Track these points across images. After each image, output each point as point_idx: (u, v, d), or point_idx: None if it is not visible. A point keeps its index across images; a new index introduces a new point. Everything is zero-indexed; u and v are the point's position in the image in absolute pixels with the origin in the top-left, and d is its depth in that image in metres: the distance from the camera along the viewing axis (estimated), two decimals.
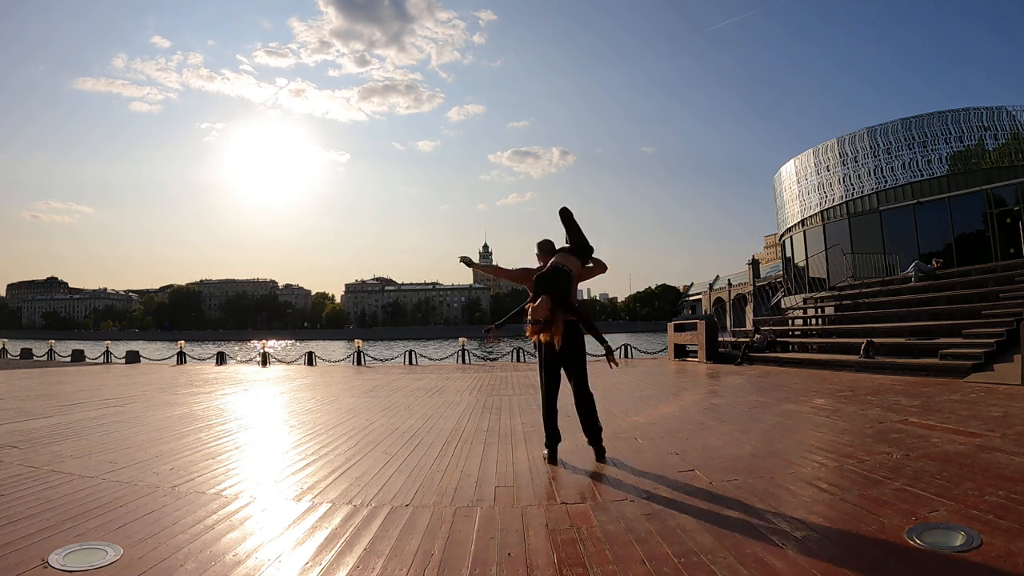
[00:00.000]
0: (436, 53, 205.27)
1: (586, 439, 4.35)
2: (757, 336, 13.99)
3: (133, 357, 20.37)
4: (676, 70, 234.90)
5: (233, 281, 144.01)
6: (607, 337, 4.27)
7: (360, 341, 19.65)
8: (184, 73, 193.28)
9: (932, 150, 18.35)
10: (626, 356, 18.04)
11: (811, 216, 21.95)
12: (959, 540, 2.57)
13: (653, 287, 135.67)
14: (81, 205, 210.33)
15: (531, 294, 4.22)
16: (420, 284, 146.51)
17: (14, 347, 24.92)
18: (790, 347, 14.40)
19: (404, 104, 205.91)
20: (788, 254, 24.26)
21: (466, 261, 4.78)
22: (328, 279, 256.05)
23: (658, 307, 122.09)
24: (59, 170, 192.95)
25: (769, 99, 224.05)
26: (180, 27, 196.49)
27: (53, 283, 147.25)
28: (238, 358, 22.44)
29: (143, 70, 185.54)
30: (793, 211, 23.16)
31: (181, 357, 20.12)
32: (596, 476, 3.93)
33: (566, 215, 4.52)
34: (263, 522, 3.12)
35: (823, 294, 17.54)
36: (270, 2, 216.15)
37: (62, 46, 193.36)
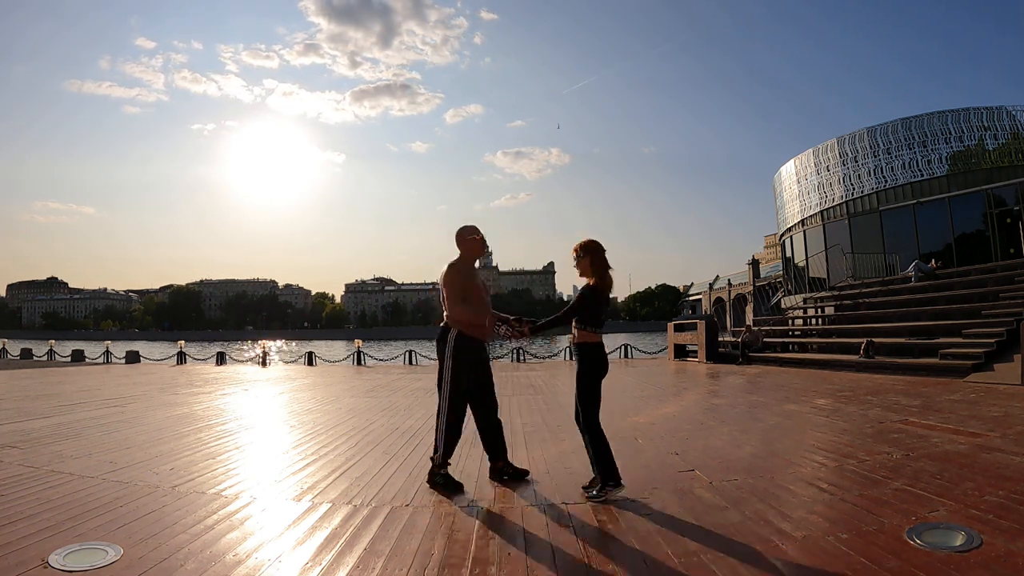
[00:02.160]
0: (432, 54, 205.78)
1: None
2: (747, 334, 14.01)
3: (133, 357, 20.35)
4: (676, 70, 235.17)
5: (233, 281, 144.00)
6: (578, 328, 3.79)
7: (360, 341, 19.66)
8: (172, 75, 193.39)
9: (932, 150, 18.33)
10: (626, 356, 18.05)
11: (811, 216, 21.94)
12: (959, 540, 2.57)
13: (653, 287, 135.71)
14: (81, 205, 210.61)
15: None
16: (420, 284, 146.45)
17: (14, 347, 24.90)
18: (790, 347, 14.40)
19: (399, 106, 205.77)
20: (788, 254, 24.25)
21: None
22: (328, 279, 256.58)
23: (658, 307, 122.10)
24: (58, 171, 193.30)
25: (769, 99, 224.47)
26: (167, 29, 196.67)
27: (53, 283, 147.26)
28: (238, 356, 22.45)
29: (132, 72, 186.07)
30: (793, 211, 23.15)
31: (181, 357, 20.11)
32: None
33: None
34: (263, 522, 3.12)
35: (823, 294, 17.54)
36: (260, 4, 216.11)
37: (55, 49, 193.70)
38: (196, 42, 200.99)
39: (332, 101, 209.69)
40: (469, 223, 4.11)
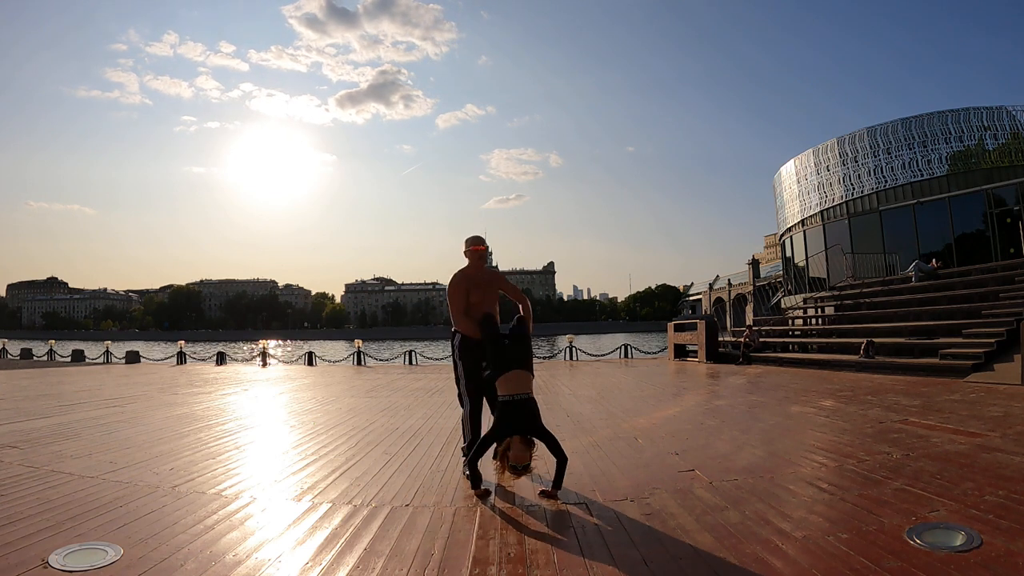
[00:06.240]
0: (427, 56, 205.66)
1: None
2: (746, 335, 14.02)
3: (133, 357, 20.35)
4: (676, 71, 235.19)
5: (233, 281, 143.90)
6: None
7: (360, 341, 19.64)
8: (149, 78, 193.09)
9: (932, 150, 18.32)
10: (626, 356, 18.05)
11: (811, 216, 21.93)
12: (959, 540, 2.57)
13: (653, 287, 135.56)
14: (81, 205, 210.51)
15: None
16: (420, 284, 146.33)
17: (14, 347, 24.91)
18: (790, 347, 14.39)
19: (394, 109, 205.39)
20: (788, 254, 24.25)
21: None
22: (328, 279, 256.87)
23: (658, 307, 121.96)
24: (59, 171, 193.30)
25: (769, 99, 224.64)
26: (148, 34, 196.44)
27: (53, 283, 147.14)
28: (238, 356, 22.44)
29: (128, 75, 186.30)
30: (793, 211, 23.14)
31: (181, 357, 20.11)
32: (596, 476, 3.93)
33: None
34: (263, 522, 3.12)
35: (823, 294, 17.53)
36: (255, 5, 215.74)
37: (47, 52, 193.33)
38: (182, 45, 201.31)
39: (322, 104, 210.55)
40: (476, 232, 4.44)
